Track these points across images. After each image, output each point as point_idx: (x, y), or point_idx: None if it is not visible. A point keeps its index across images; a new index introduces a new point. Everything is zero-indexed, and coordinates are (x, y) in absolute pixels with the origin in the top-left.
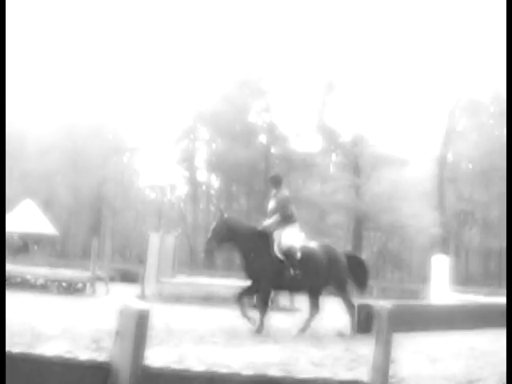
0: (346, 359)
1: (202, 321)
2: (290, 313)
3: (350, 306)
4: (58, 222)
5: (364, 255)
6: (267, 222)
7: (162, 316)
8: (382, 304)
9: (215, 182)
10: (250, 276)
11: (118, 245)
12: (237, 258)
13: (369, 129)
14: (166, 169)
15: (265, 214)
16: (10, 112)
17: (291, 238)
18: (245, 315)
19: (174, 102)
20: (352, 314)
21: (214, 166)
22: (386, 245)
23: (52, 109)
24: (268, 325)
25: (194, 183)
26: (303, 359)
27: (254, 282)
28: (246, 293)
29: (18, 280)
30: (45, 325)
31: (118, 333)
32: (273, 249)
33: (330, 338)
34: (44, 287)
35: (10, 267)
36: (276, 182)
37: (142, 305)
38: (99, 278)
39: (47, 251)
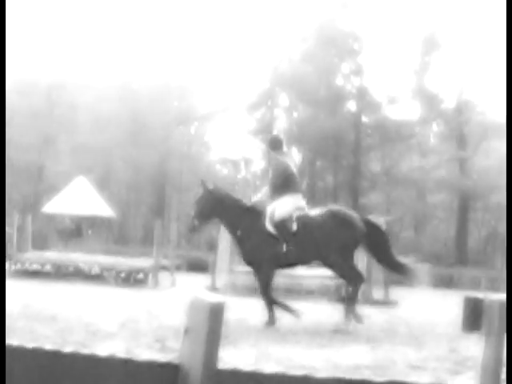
0: (450, 361)
1: (282, 316)
2: (384, 307)
3: (349, 281)
4: (115, 203)
5: (470, 240)
6: (257, 196)
7: (236, 311)
8: (492, 297)
9: (296, 156)
10: (244, 259)
11: (184, 229)
12: None
13: (476, 93)
14: (239, 141)
15: (355, 192)
16: (58, 76)
17: (285, 208)
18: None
19: (248, 63)
20: (351, 296)
21: (295, 137)
22: (495, 228)
23: (107, 72)
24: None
25: None
26: (399, 361)
27: (251, 266)
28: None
29: (71, 269)
30: (101, 320)
31: (187, 330)
32: (265, 224)
33: (430, 336)
34: (100, 277)
35: (61, 255)
36: (274, 145)
37: (214, 297)
38: (163, 267)
39: (103, 236)
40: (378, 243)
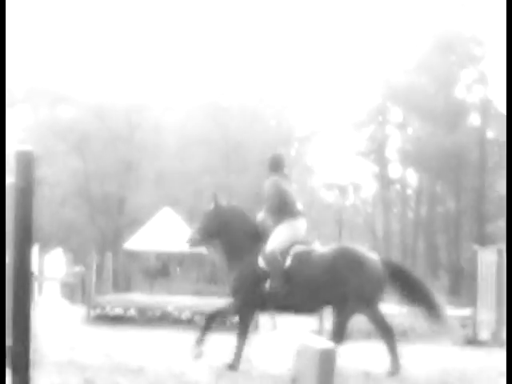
0: None
1: (402, 363)
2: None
3: (386, 330)
4: None
5: None
6: (259, 217)
7: (349, 357)
8: None
9: (412, 178)
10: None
11: None
12: (444, 280)
13: None
14: (347, 163)
15: (481, 218)
16: (138, 97)
17: (278, 239)
18: (198, 340)
19: (355, 75)
20: (392, 345)
21: (411, 157)
22: None
23: (193, 90)
24: (488, 365)
25: (384, 181)
26: None
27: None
28: (217, 313)
29: (158, 314)
30: (194, 370)
31: (294, 381)
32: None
33: None
34: (191, 322)
35: (147, 297)
36: (274, 165)
37: (324, 342)
38: None
39: (193, 275)
40: (409, 286)
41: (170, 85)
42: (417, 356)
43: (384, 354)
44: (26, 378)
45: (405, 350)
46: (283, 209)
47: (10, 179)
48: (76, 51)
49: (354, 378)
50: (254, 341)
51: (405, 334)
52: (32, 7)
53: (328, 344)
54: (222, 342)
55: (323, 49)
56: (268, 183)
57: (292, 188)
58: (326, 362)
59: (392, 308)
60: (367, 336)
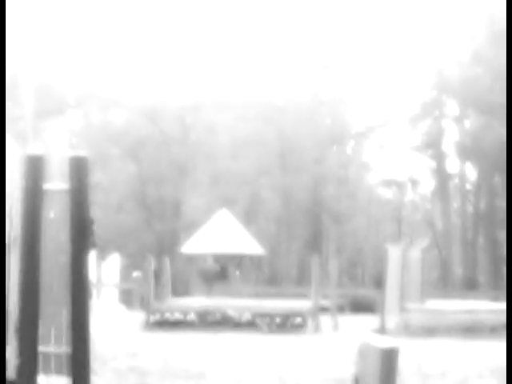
0: None
1: (465, 359)
2: None
3: None
4: (264, 238)
5: None
6: None
7: (410, 355)
8: None
9: (471, 172)
10: None
11: (345, 263)
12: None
13: None
14: (404, 159)
15: None
16: (191, 97)
17: None
18: None
19: (409, 68)
20: None
21: (469, 151)
22: None
23: (247, 88)
24: None
25: (442, 176)
26: None
27: None
28: None
29: (218, 317)
30: (256, 374)
31: (356, 381)
32: None
33: None
34: (251, 325)
35: (206, 301)
36: None
37: (386, 342)
38: (324, 309)
39: (252, 277)
40: None
41: (222, 84)
42: (478, 351)
43: (444, 351)
44: None
45: (467, 345)
46: None
47: (63, 185)
48: (125, 55)
49: (415, 375)
50: (316, 343)
51: (468, 330)
52: (78, 14)
53: (390, 343)
54: (283, 345)
55: (375, 42)
56: None
57: None
58: (389, 360)
59: (476, 304)
60: (429, 332)
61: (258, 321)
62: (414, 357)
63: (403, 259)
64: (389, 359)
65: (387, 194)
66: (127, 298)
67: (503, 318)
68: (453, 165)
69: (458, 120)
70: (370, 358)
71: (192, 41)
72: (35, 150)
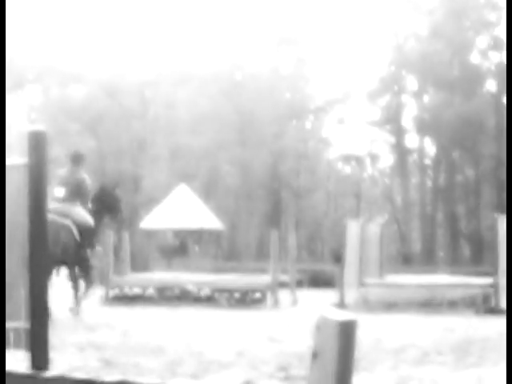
0: None
1: (424, 334)
2: None
3: None
4: (223, 213)
5: None
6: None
7: (369, 330)
8: None
9: (430, 147)
10: None
11: (304, 238)
12: (465, 250)
13: None
14: (363, 134)
15: (501, 185)
16: (150, 71)
17: None
18: None
19: (368, 43)
20: None
21: (428, 126)
22: None
23: (206, 63)
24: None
25: (401, 151)
26: None
27: None
28: None
29: (177, 292)
30: (214, 348)
31: (314, 355)
32: None
33: None
34: (211, 299)
35: (165, 276)
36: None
37: (344, 315)
38: (282, 284)
39: (212, 252)
40: None
41: (181, 59)
42: (438, 326)
43: (403, 326)
44: (45, 359)
45: (426, 320)
46: None
47: (23, 159)
48: (84, 28)
49: (374, 349)
50: (275, 317)
51: (427, 305)
52: None
53: (348, 316)
54: (242, 319)
55: (335, 16)
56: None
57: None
58: (347, 334)
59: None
60: (388, 307)
61: (217, 296)
62: (373, 331)
63: (362, 234)
64: (346, 332)
65: (346, 169)
66: None
67: (462, 292)
68: (412, 140)
69: (417, 95)
70: (327, 332)
71: (151, 14)
72: None
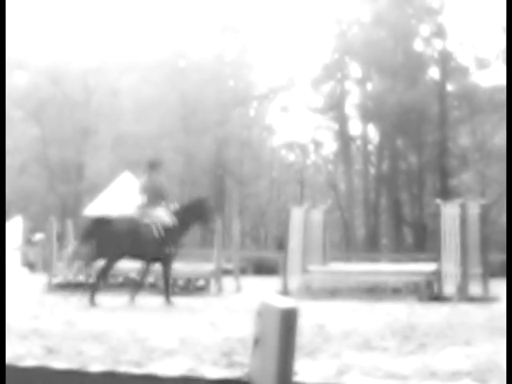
0: None
1: (367, 320)
2: (483, 303)
3: None
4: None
5: None
6: None
7: (312, 316)
8: None
9: (373, 134)
10: None
11: (248, 226)
12: (408, 237)
13: None
14: (306, 121)
15: (443, 173)
16: (94, 59)
17: None
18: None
19: (312, 30)
20: None
21: (371, 113)
22: None
23: (150, 50)
24: (455, 320)
25: (345, 138)
26: (505, 365)
27: None
28: None
29: (120, 279)
30: (158, 335)
31: (256, 341)
32: None
33: None
34: (154, 287)
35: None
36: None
37: (286, 302)
38: (226, 272)
39: None
40: None
41: (125, 46)
42: (381, 312)
43: (347, 313)
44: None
45: (369, 306)
46: None
47: None
48: (27, 15)
49: (316, 336)
50: (219, 305)
51: (370, 292)
52: None
53: (289, 302)
54: (186, 307)
55: (278, 3)
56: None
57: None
58: (288, 320)
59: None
60: (331, 294)
61: (160, 283)
62: (316, 318)
63: (305, 221)
64: (288, 318)
65: (290, 156)
66: (29, 260)
67: (405, 279)
68: (355, 127)
69: (361, 82)
70: (269, 318)
71: (95, 1)
72: None
